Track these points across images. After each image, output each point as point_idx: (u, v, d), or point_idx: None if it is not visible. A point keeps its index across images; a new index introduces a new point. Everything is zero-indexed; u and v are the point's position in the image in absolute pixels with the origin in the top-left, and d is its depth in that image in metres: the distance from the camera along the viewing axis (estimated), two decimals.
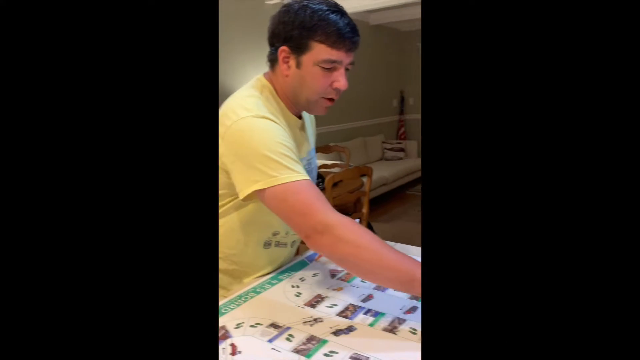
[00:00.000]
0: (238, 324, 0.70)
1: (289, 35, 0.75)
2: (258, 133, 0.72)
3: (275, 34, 0.77)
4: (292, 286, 0.84)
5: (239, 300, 0.79)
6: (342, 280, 0.86)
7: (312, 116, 1.00)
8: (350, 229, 0.66)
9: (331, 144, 3.84)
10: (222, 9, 2.88)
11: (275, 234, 0.87)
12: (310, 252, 1.01)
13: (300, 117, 0.87)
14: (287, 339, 0.65)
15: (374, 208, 4.17)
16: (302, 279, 0.87)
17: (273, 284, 0.85)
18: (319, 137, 4.10)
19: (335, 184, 2.43)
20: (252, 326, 0.69)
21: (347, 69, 0.78)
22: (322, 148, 3.70)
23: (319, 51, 0.74)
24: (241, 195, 0.72)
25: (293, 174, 0.70)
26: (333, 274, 0.89)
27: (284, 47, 0.76)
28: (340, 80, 0.76)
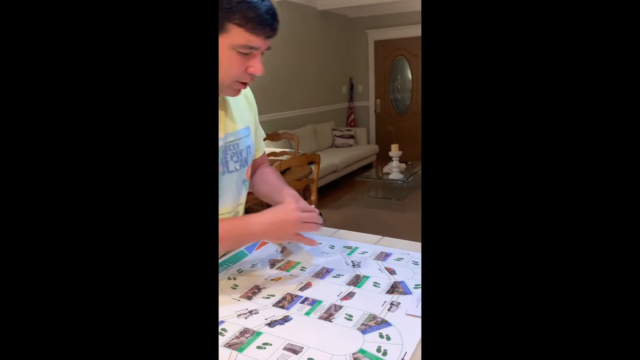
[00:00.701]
0: None
1: None
2: None
3: None
4: (229, 278, 0.81)
5: None
6: (281, 269, 0.85)
7: (250, 94, 0.97)
8: None
9: (280, 131, 3.80)
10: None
11: None
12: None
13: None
14: (220, 334, 0.63)
15: (324, 195, 4.20)
16: (239, 271, 0.85)
17: None
18: (268, 123, 4.04)
19: (282, 172, 2.41)
20: None
21: (262, 53, 0.76)
22: (271, 135, 3.66)
23: (237, 35, 0.70)
24: None
25: None
26: (272, 264, 0.87)
27: None
28: (256, 66, 0.74)
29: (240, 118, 0.90)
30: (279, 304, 0.71)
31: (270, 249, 0.94)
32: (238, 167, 0.88)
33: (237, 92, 0.80)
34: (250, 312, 0.69)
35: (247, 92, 0.96)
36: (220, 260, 0.89)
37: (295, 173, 2.68)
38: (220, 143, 0.83)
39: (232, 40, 0.71)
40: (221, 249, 0.82)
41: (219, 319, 0.67)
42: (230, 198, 0.89)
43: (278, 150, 3.29)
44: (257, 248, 0.95)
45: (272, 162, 2.51)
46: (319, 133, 4.83)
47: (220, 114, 0.85)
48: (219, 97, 0.84)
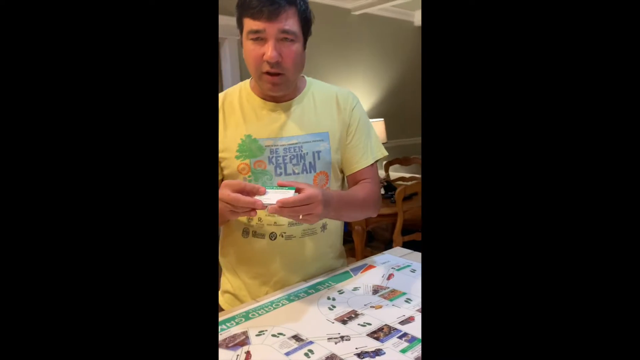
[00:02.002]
0: (260, 332, 0.66)
1: (235, 18, 0.79)
2: None
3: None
4: (328, 298, 0.78)
5: (270, 307, 0.75)
6: (384, 297, 0.78)
7: (348, 101, 0.89)
8: None
9: (412, 157, 3.70)
10: None
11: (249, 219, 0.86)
12: (357, 264, 0.95)
13: (273, 99, 0.84)
14: (306, 355, 0.60)
15: None
16: (340, 292, 0.81)
17: (309, 293, 0.81)
18: (399, 148, 3.98)
19: (408, 197, 2.32)
20: (274, 335, 0.65)
21: (288, 39, 0.76)
22: (400, 160, 3.59)
23: (247, 24, 0.76)
24: None
25: None
26: (375, 290, 0.81)
27: (239, 31, 0.80)
28: (267, 52, 0.75)
29: (311, 123, 0.86)
30: (374, 335, 0.65)
31: (377, 274, 0.89)
32: (298, 172, 0.85)
33: (270, 85, 0.79)
34: (342, 337, 0.65)
35: (339, 96, 0.90)
36: (322, 279, 0.87)
37: (421, 199, 2.55)
38: (270, 142, 0.84)
39: (245, 30, 0.77)
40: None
41: (309, 339, 0.64)
42: None
43: (407, 175, 3.20)
44: (363, 271, 0.91)
45: (398, 187, 2.44)
46: None
47: (271, 116, 0.85)
48: (272, 102, 0.85)
